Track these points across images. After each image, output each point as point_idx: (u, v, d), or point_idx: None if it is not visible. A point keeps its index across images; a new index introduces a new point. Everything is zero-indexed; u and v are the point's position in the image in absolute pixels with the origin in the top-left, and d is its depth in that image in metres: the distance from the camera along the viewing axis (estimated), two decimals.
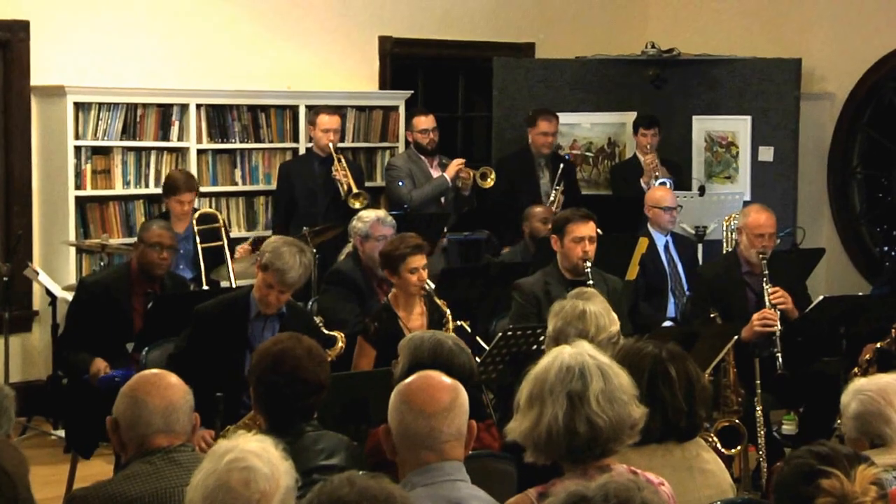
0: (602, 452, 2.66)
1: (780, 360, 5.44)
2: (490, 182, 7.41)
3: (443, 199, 7.55)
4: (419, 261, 5.06)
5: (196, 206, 6.91)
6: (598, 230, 5.76)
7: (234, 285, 6.28)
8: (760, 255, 5.68)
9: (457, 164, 7.47)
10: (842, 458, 2.34)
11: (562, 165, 7.66)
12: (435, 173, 7.57)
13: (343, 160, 7.20)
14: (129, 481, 2.90)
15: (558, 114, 7.92)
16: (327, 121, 7.26)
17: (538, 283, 5.37)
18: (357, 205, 6.94)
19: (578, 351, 2.72)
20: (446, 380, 2.85)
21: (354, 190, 7.03)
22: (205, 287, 6.34)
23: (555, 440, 2.63)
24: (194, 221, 6.54)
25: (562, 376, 2.66)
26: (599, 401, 2.64)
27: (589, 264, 5.31)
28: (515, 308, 5.35)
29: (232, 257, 6.59)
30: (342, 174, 7.10)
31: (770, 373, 5.41)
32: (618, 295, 5.31)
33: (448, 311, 5.04)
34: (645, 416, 2.74)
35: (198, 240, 6.49)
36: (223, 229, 6.59)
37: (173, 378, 3.08)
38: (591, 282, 5.23)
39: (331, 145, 7.18)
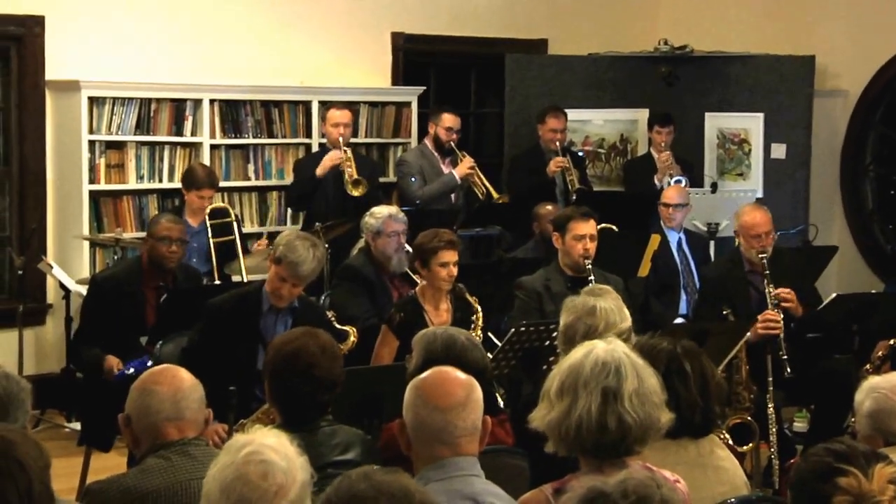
0: (626, 451, 2.66)
1: (787, 363, 5.41)
2: (501, 200, 7.38)
3: (453, 197, 7.54)
4: (451, 256, 5.09)
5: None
6: (613, 227, 5.77)
7: (245, 280, 6.29)
8: (761, 256, 5.63)
9: (467, 164, 7.44)
10: (859, 456, 2.33)
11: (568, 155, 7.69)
12: (446, 170, 7.57)
13: (349, 151, 7.19)
14: (144, 475, 2.92)
15: (570, 110, 7.90)
16: (338, 115, 7.27)
17: (539, 280, 5.44)
18: (356, 192, 6.95)
19: (613, 347, 2.72)
20: (461, 375, 2.87)
21: (355, 177, 7.03)
22: (217, 281, 6.35)
23: (584, 434, 2.64)
24: (207, 216, 6.56)
25: (597, 371, 2.67)
26: (632, 399, 2.65)
27: (589, 263, 5.33)
28: (518, 305, 5.41)
29: (245, 252, 6.61)
30: (347, 164, 7.09)
31: (779, 374, 5.40)
32: (618, 293, 5.32)
33: (479, 309, 5.06)
34: (671, 422, 2.75)
35: (210, 234, 6.50)
36: (235, 224, 6.61)
37: (182, 371, 3.11)
38: (591, 278, 5.25)
39: (341, 139, 7.18)
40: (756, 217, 5.72)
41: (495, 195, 7.41)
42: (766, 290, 5.55)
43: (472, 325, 5.01)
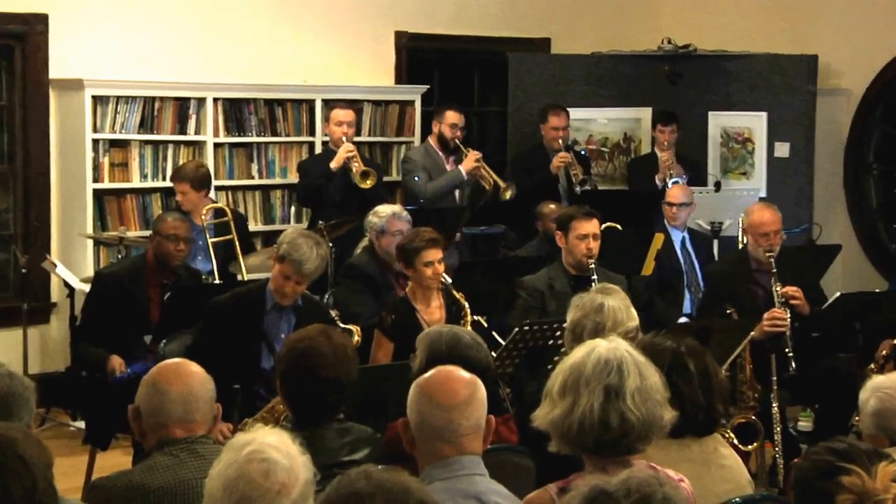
0: (628, 450, 2.67)
1: (793, 360, 5.42)
2: (508, 195, 7.39)
3: (457, 193, 7.53)
4: (434, 254, 5.07)
5: (214, 198, 6.94)
6: (617, 225, 5.76)
7: (245, 279, 6.28)
8: (768, 254, 5.64)
9: (473, 158, 7.44)
10: (862, 454, 2.33)
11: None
12: (450, 168, 7.56)
13: (354, 146, 7.19)
14: (150, 472, 2.92)
15: (574, 109, 7.91)
16: (341, 114, 7.26)
17: (542, 279, 5.45)
18: (365, 185, 6.94)
19: (615, 346, 2.73)
20: (465, 374, 2.87)
21: (362, 168, 7.02)
22: (217, 280, 6.35)
23: (586, 431, 2.64)
24: (203, 215, 6.54)
25: (599, 369, 2.67)
26: (635, 398, 2.65)
27: (593, 263, 5.34)
28: (520, 305, 5.41)
29: (249, 251, 6.60)
30: (353, 159, 7.08)
31: (783, 372, 5.40)
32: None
33: (466, 305, 5.06)
34: (674, 419, 2.74)
35: (207, 234, 6.49)
36: (231, 224, 6.58)
37: (195, 367, 3.09)
38: (594, 277, 5.25)
39: (344, 138, 7.17)
40: (765, 216, 5.74)
41: (502, 185, 7.40)
42: (774, 289, 5.56)
43: (461, 322, 5.00)
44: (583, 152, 8.05)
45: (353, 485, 2.14)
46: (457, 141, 7.51)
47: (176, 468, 2.92)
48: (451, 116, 7.53)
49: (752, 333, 5.28)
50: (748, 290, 5.75)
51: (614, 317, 3.92)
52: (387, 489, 2.12)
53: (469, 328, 4.92)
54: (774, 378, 5.33)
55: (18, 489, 2.32)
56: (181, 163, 7.17)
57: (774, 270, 5.59)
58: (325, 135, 7.53)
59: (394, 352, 4.95)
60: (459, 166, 7.45)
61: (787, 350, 5.43)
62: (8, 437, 2.38)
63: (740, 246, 7.04)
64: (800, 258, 6.08)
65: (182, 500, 2.90)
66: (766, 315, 5.47)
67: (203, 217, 6.48)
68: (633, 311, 4.04)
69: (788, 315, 5.49)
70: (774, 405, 5.31)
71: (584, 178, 7.49)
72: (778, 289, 5.55)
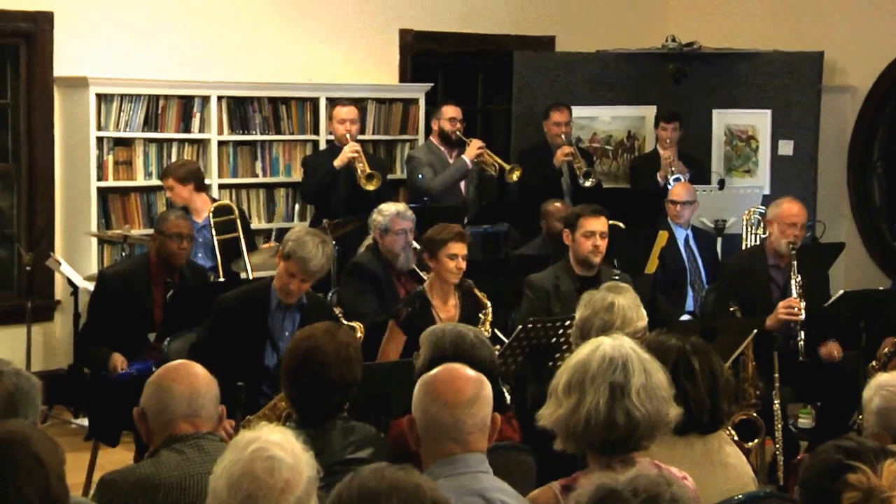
0: (634, 447, 2.67)
1: (802, 348, 5.45)
2: (515, 177, 7.39)
3: (463, 185, 7.52)
4: (460, 248, 5.09)
5: (216, 197, 6.94)
6: (620, 224, 5.76)
7: (250, 277, 6.29)
8: (791, 246, 5.67)
9: (476, 146, 7.44)
10: (868, 452, 2.34)
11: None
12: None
13: (359, 146, 7.19)
14: (158, 466, 2.95)
15: (578, 107, 7.91)
16: (344, 112, 7.26)
17: (548, 278, 5.44)
18: (370, 187, 6.95)
19: (620, 343, 2.73)
20: (471, 372, 2.87)
21: (367, 171, 7.02)
22: (221, 278, 6.35)
23: (593, 429, 2.64)
24: (211, 213, 6.55)
25: (604, 367, 2.68)
26: (640, 395, 2.66)
27: (600, 260, 5.32)
28: (526, 303, 5.41)
29: (253, 249, 6.61)
30: (358, 160, 7.08)
31: (789, 366, 5.41)
32: None
33: (489, 304, 5.06)
34: (679, 416, 2.75)
35: (213, 231, 6.50)
36: (238, 221, 6.58)
37: (198, 367, 3.13)
38: (616, 273, 5.26)
39: (348, 136, 7.17)
40: (794, 208, 5.80)
41: (507, 167, 7.41)
42: (793, 280, 5.58)
43: (481, 321, 5.00)
44: (586, 150, 8.06)
45: (366, 483, 2.14)
46: (458, 133, 7.51)
47: (184, 464, 2.94)
48: (449, 111, 7.55)
49: (767, 323, 5.32)
50: (764, 285, 5.77)
51: (623, 315, 3.92)
52: (400, 487, 2.13)
53: (487, 328, 4.94)
54: (776, 375, 5.34)
55: (32, 487, 2.33)
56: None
57: (795, 262, 5.62)
58: (329, 133, 7.53)
59: (405, 345, 4.94)
60: (463, 156, 7.46)
61: (798, 339, 5.46)
62: (22, 434, 2.39)
63: (744, 245, 7.07)
64: (803, 256, 6.08)
65: (189, 494, 2.91)
66: (781, 303, 5.50)
67: (209, 214, 6.50)
68: (643, 311, 4.05)
69: (804, 304, 5.52)
70: (776, 402, 5.31)
71: (588, 170, 7.51)
72: (797, 280, 5.57)
